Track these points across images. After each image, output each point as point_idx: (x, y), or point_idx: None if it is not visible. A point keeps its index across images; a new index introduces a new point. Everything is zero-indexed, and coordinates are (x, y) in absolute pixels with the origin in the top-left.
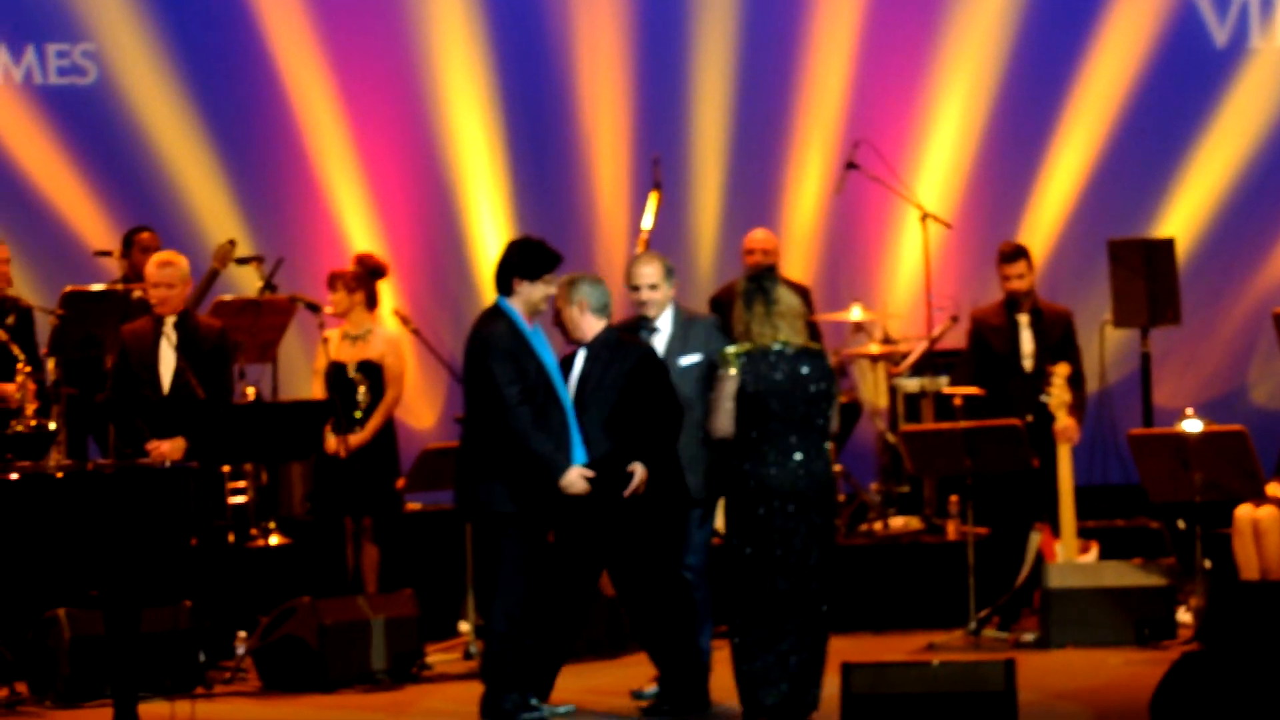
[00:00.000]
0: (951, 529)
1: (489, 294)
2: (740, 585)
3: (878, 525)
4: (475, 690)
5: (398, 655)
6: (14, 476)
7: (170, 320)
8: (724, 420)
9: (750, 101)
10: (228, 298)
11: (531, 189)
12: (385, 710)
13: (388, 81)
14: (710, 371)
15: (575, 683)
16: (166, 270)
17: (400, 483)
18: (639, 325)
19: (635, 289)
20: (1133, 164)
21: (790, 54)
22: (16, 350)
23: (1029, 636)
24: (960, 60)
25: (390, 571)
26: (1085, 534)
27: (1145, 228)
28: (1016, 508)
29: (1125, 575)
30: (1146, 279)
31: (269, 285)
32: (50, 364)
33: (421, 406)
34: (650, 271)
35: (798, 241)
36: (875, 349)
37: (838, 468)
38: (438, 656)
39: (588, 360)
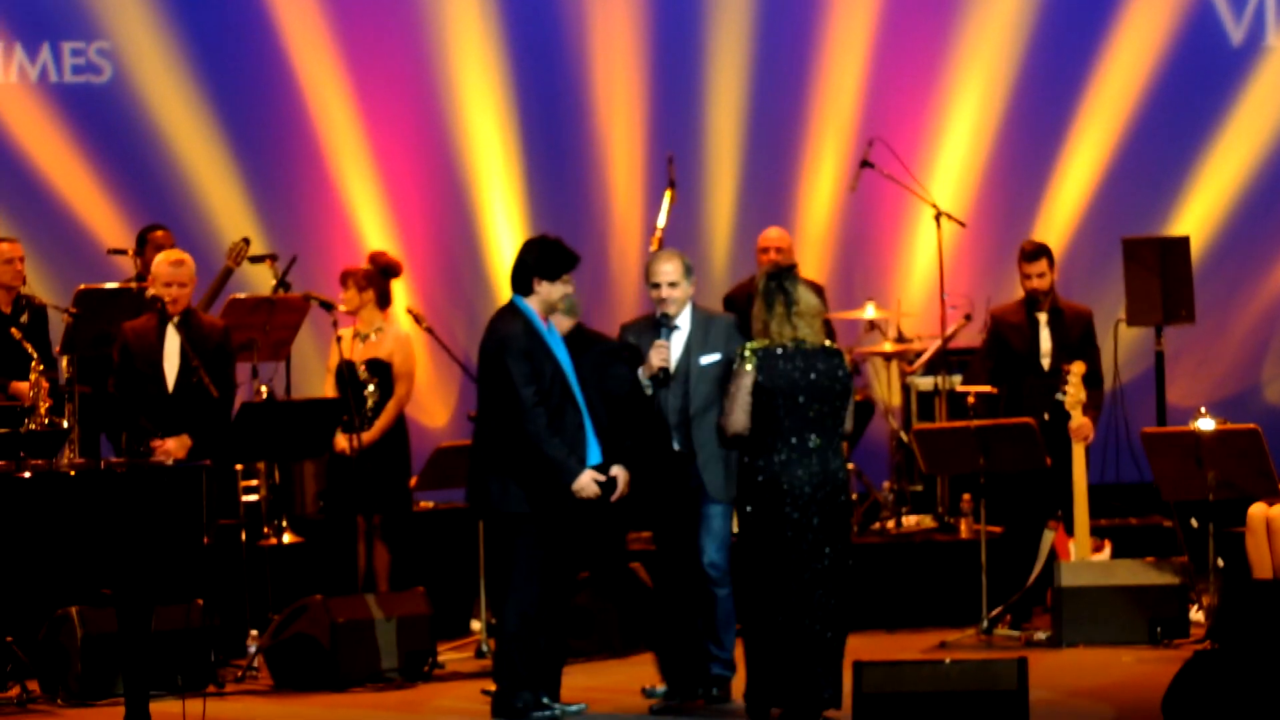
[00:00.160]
0: (964, 527)
1: (503, 292)
2: (753, 583)
3: (890, 524)
4: (488, 687)
5: (409, 654)
6: (27, 475)
7: (174, 318)
8: (739, 416)
9: (765, 100)
10: (241, 296)
11: (546, 187)
12: (397, 709)
13: (402, 80)
14: (728, 369)
15: (585, 681)
16: (181, 269)
17: (413, 481)
18: (657, 322)
19: (655, 286)
20: (1147, 162)
21: (805, 52)
22: (30, 349)
23: (1041, 635)
24: (975, 58)
25: (402, 570)
26: (1098, 532)
27: (1160, 226)
28: (1030, 506)
29: (1138, 574)
30: (1161, 277)
31: (283, 283)
32: (64, 362)
33: (435, 405)
34: (670, 269)
35: (812, 240)
36: (889, 347)
37: (850, 466)
38: (450, 655)
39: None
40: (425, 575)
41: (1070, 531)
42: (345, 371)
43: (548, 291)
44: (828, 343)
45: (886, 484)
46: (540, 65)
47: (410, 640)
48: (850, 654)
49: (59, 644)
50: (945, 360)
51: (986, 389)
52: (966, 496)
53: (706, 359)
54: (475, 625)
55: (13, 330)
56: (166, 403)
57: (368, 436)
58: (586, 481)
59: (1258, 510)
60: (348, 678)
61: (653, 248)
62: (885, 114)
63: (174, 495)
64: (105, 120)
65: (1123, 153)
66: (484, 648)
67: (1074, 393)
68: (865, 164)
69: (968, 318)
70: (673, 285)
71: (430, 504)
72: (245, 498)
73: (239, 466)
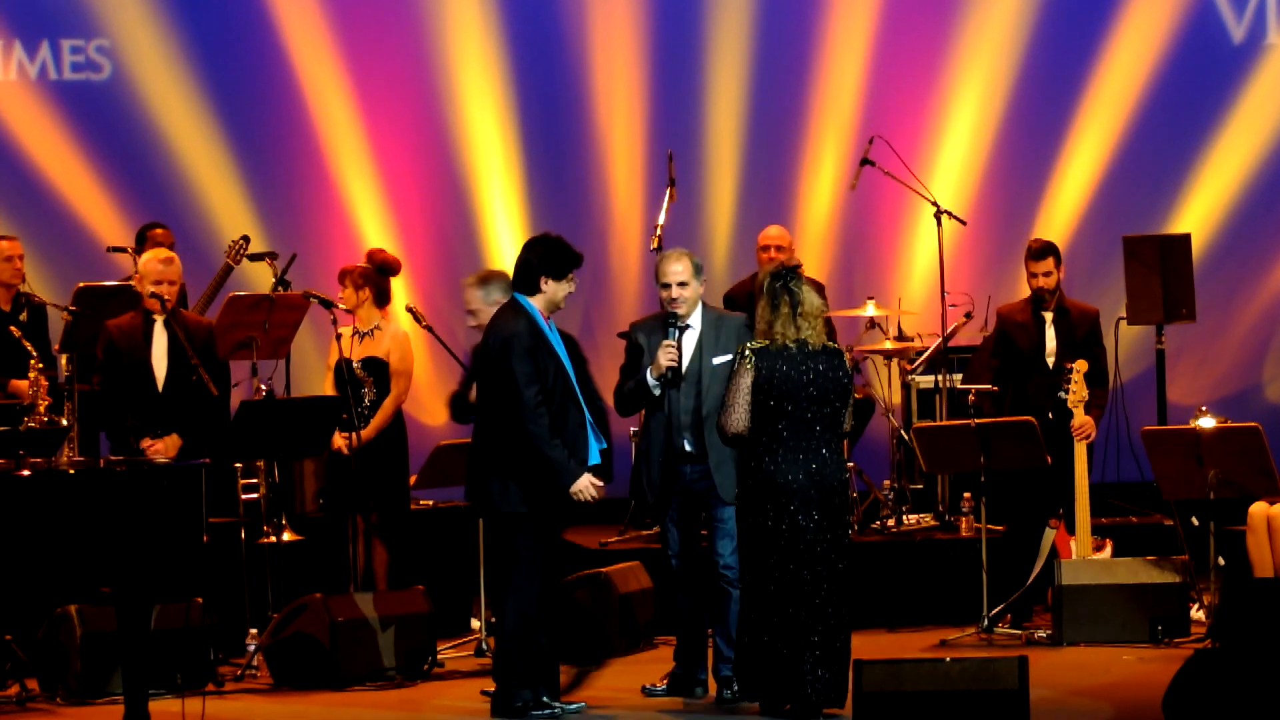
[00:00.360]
0: (965, 526)
1: None
2: (754, 582)
3: (891, 522)
4: (487, 687)
5: (409, 652)
6: (26, 473)
7: (160, 317)
8: (739, 416)
9: (765, 98)
10: (241, 294)
11: (545, 185)
12: (396, 707)
13: (402, 78)
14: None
15: (587, 680)
16: (171, 267)
17: (412, 480)
18: (665, 321)
19: (665, 286)
20: (1148, 160)
21: (805, 50)
22: (29, 347)
23: (1042, 634)
24: (975, 56)
25: (402, 569)
26: (1099, 531)
27: (1161, 224)
28: (1031, 505)
29: (1138, 572)
30: (1162, 275)
31: (282, 281)
32: (63, 360)
33: (434, 403)
34: (680, 269)
35: (812, 237)
36: (889, 345)
37: (851, 464)
38: (449, 654)
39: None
40: (424, 574)
41: (1071, 530)
42: (344, 370)
43: (554, 290)
44: (829, 343)
45: (887, 482)
46: (540, 63)
47: (410, 639)
48: (851, 653)
49: (58, 642)
50: (946, 358)
51: (987, 387)
52: (967, 495)
53: (719, 359)
54: (475, 624)
55: (12, 328)
56: (156, 402)
57: (365, 434)
58: (584, 484)
59: (1258, 509)
60: (347, 676)
61: (653, 246)
62: (886, 112)
63: (173, 494)
64: (105, 118)
65: (1124, 151)
66: (484, 646)
67: (1076, 391)
68: (866, 162)
69: (968, 316)
70: (682, 285)
71: (430, 502)
72: (245, 496)
73: (238, 465)
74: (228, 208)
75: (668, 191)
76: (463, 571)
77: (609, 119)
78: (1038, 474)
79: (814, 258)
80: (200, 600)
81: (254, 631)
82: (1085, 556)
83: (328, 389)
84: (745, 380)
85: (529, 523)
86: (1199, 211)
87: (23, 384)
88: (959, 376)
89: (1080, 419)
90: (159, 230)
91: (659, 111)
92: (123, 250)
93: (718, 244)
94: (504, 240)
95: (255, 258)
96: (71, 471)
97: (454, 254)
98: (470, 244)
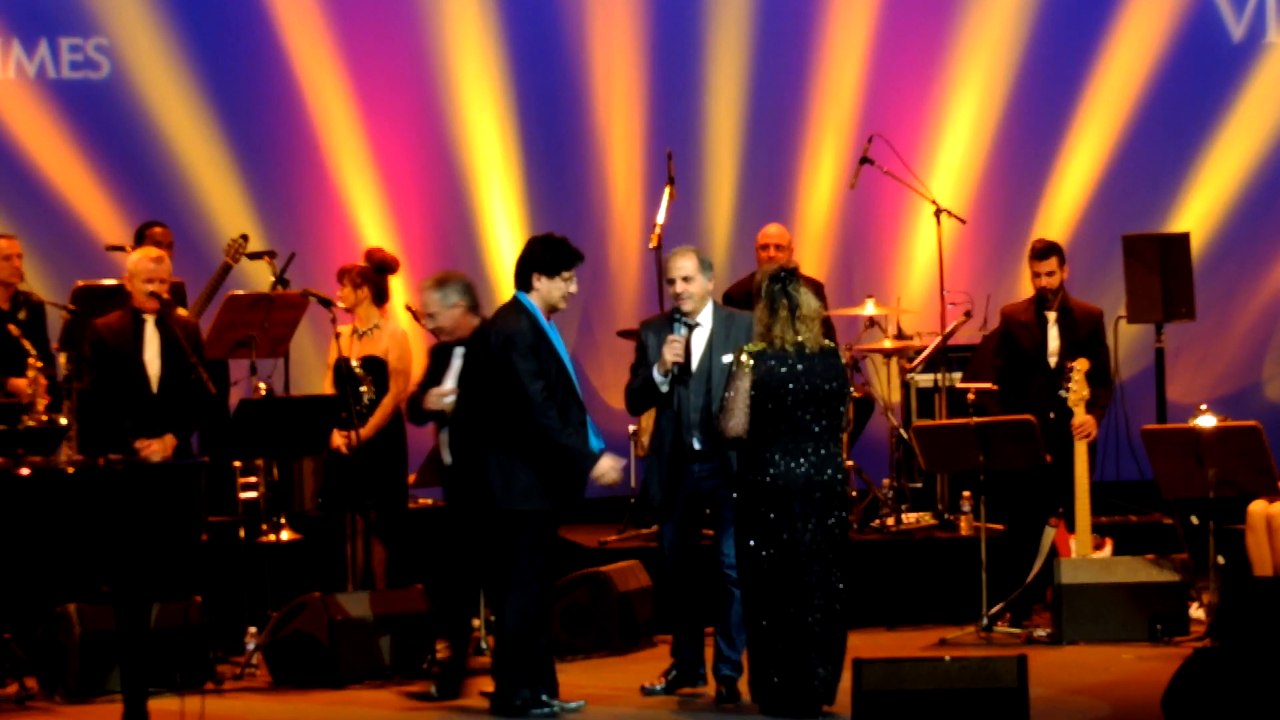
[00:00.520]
0: (964, 525)
1: (502, 288)
2: (754, 582)
3: (890, 521)
4: (486, 686)
5: (407, 651)
6: (25, 472)
7: (151, 316)
8: (739, 419)
9: (764, 96)
10: (240, 292)
11: (545, 183)
12: (395, 706)
13: (401, 77)
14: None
15: (586, 679)
16: (162, 266)
17: (411, 478)
18: (670, 317)
19: (671, 281)
20: (1148, 159)
21: (804, 49)
22: (28, 345)
23: (1041, 632)
24: (975, 55)
25: (400, 567)
26: (1098, 530)
27: (1160, 223)
28: (1030, 503)
29: (1138, 571)
30: (1161, 274)
31: (281, 280)
32: (62, 359)
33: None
34: (685, 264)
35: (811, 236)
36: (889, 344)
37: (849, 463)
38: (448, 653)
39: (467, 357)
40: (423, 573)
41: (1071, 529)
42: (342, 368)
43: (547, 288)
44: (826, 343)
45: (886, 481)
46: (540, 63)
47: (408, 638)
48: (850, 651)
49: (57, 641)
50: (945, 357)
51: (986, 386)
52: (966, 494)
53: (729, 357)
54: (474, 622)
55: (11, 327)
56: (151, 402)
57: (364, 433)
58: (605, 467)
59: (1258, 508)
60: (346, 675)
61: (652, 244)
62: (885, 111)
63: (172, 492)
64: (103, 116)
65: (1123, 149)
66: (482, 645)
67: (1077, 390)
68: (865, 160)
69: (967, 315)
70: (687, 280)
71: (428, 501)
72: (243, 495)
73: (237, 464)
74: (226, 206)
75: (667, 190)
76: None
77: (608, 118)
78: (1037, 473)
79: (813, 256)
80: (199, 599)
81: (253, 630)
82: (1085, 555)
83: (326, 388)
84: (744, 383)
85: (530, 521)
86: (1198, 210)
87: (21, 382)
88: (958, 375)
89: (1080, 418)
90: (157, 229)
91: (658, 110)
92: (121, 249)
93: (717, 243)
94: (503, 238)
95: (254, 256)
96: (70, 470)
97: (453, 253)
98: (469, 242)
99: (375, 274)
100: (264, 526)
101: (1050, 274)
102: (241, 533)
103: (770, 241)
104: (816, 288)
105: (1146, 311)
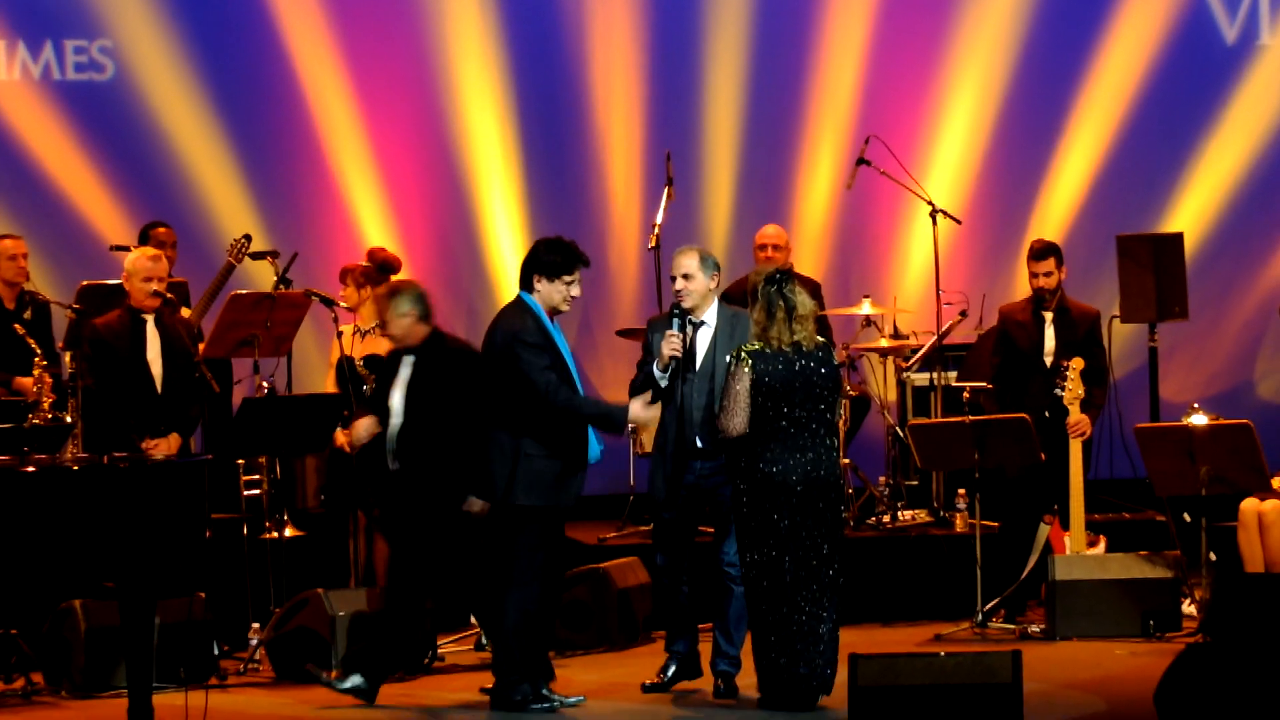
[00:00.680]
0: (959, 522)
1: (501, 288)
2: (753, 579)
3: (886, 518)
4: (486, 681)
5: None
6: (31, 469)
7: (150, 316)
8: (739, 418)
9: (762, 98)
10: (243, 292)
11: (545, 184)
12: (397, 701)
13: (403, 78)
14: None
15: (585, 674)
16: (160, 264)
17: None
18: (670, 314)
19: (672, 279)
20: (1142, 160)
21: (802, 51)
22: (33, 344)
23: (1035, 628)
24: (970, 57)
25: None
26: (1092, 527)
27: (1154, 223)
28: (1025, 501)
29: (1131, 568)
30: (1155, 274)
31: (284, 280)
32: (67, 358)
33: None
34: (685, 263)
35: (809, 237)
36: (885, 343)
37: (845, 461)
38: (449, 648)
39: (416, 365)
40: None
41: (1065, 526)
42: (345, 367)
43: (547, 291)
44: (819, 339)
45: (882, 479)
46: (539, 63)
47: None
48: (846, 647)
49: (63, 637)
50: (941, 356)
51: (982, 384)
52: (961, 491)
53: None
54: (474, 618)
55: (16, 326)
56: (156, 402)
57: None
58: (639, 409)
59: (1249, 505)
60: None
61: (651, 244)
62: (881, 112)
63: (176, 490)
64: (108, 118)
65: (1117, 150)
66: (483, 640)
67: (1072, 389)
68: (862, 161)
69: (963, 314)
70: (687, 278)
71: None
72: (247, 492)
73: (241, 461)
74: (230, 207)
75: (666, 191)
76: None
77: (608, 119)
78: (1032, 470)
79: (811, 256)
80: (203, 595)
81: (256, 626)
82: (1079, 552)
83: (329, 386)
84: (744, 383)
85: (534, 518)
86: (1192, 211)
87: (27, 381)
88: (954, 374)
89: (1075, 416)
90: (161, 229)
91: (657, 111)
92: (125, 249)
93: (715, 243)
94: (503, 238)
95: (257, 256)
96: (75, 468)
97: (454, 252)
98: (469, 242)
99: (377, 273)
100: (267, 523)
101: (1048, 274)
102: (245, 530)
103: (768, 242)
104: (813, 287)
105: (1140, 311)
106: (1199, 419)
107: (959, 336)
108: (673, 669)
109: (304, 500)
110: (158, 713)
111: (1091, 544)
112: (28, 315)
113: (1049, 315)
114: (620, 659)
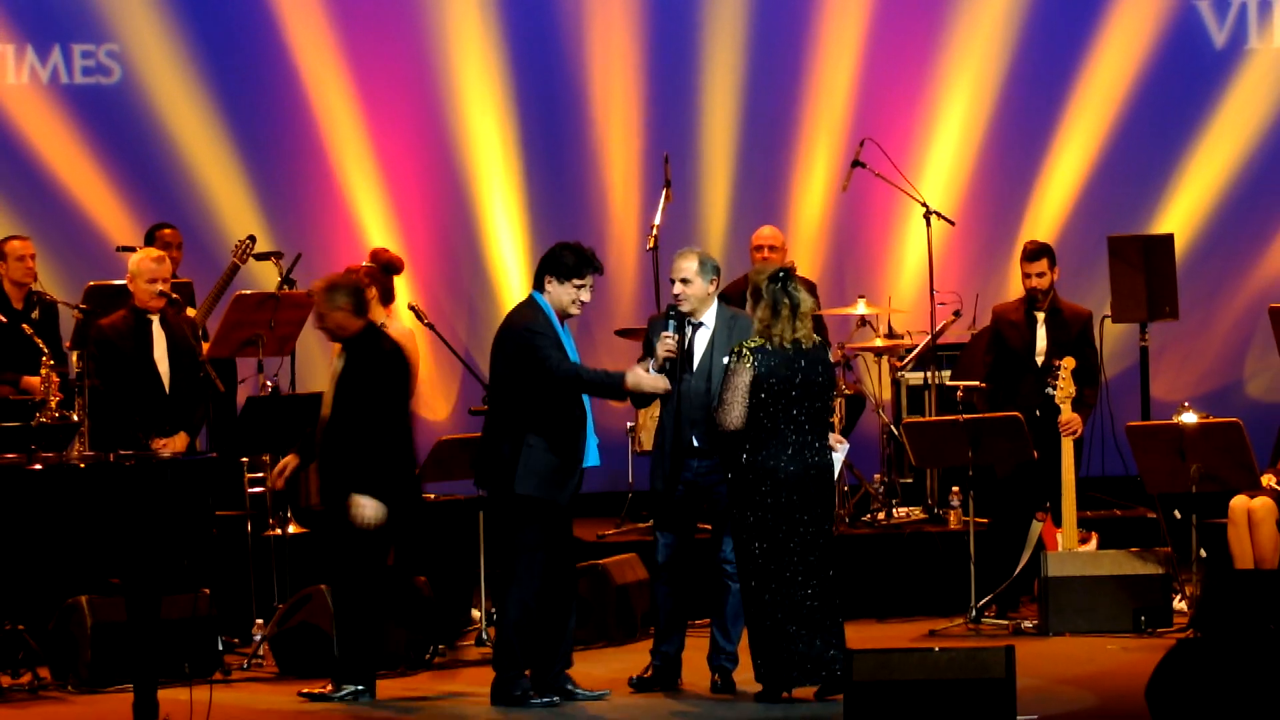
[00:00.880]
0: (953, 519)
1: (502, 289)
2: (751, 574)
3: (881, 515)
4: (488, 676)
5: (411, 642)
6: (38, 467)
7: (155, 316)
8: (737, 413)
9: (759, 100)
10: (247, 292)
11: (544, 185)
12: (399, 696)
13: (405, 81)
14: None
15: (584, 670)
16: (164, 265)
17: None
18: (667, 315)
19: (672, 282)
20: (1133, 162)
21: (797, 54)
22: (41, 344)
23: (1028, 624)
24: (964, 60)
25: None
26: (1084, 524)
27: (1145, 224)
28: (1017, 498)
29: (1123, 564)
30: (1146, 274)
31: (287, 280)
32: (74, 357)
33: (436, 399)
34: (683, 266)
35: (805, 238)
36: (879, 343)
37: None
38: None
39: (348, 359)
40: (426, 565)
41: (1058, 523)
42: None
43: (557, 292)
44: (816, 338)
45: (877, 476)
46: (539, 66)
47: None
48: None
49: (69, 632)
50: (935, 355)
51: (975, 383)
52: (955, 489)
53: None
54: (475, 614)
55: (24, 326)
56: (164, 402)
57: None
58: (638, 375)
59: (1239, 502)
60: None
61: (649, 246)
62: (876, 114)
63: (181, 487)
64: (114, 121)
65: (1109, 152)
66: (484, 636)
67: (1064, 387)
68: (857, 163)
69: (956, 314)
70: (685, 282)
71: (431, 495)
72: (251, 490)
73: (245, 459)
74: (234, 208)
75: (663, 192)
76: (465, 563)
77: (607, 121)
78: (1025, 468)
79: (806, 257)
80: (207, 591)
81: (260, 622)
82: (1071, 549)
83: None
84: (745, 378)
85: (538, 511)
86: (1182, 212)
87: (35, 380)
88: (948, 373)
89: (1067, 415)
90: (167, 230)
91: (655, 114)
92: (131, 250)
93: (712, 244)
94: (503, 239)
95: (261, 257)
96: (82, 465)
97: (455, 253)
98: (470, 243)
99: (381, 274)
100: (271, 521)
101: (1041, 275)
102: (249, 527)
103: (765, 243)
104: (810, 287)
105: (1131, 311)
106: (1189, 417)
107: (953, 336)
108: (653, 672)
109: (307, 498)
110: (163, 707)
111: (1083, 541)
112: (35, 315)
113: (1041, 315)
114: (619, 654)
